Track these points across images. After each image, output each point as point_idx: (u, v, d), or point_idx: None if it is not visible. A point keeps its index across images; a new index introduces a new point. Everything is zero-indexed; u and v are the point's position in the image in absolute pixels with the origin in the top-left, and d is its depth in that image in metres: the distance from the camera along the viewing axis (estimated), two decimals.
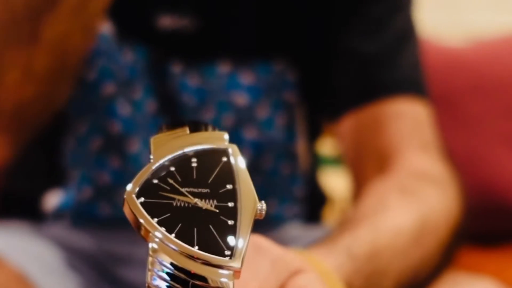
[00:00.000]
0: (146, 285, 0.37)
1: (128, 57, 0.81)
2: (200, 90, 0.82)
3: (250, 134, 0.84)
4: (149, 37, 0.81)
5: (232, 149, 0.43)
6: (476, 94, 1.47)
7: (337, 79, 0.83)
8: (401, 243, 0.62)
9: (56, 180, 0.85)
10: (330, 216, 1.07)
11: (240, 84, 0.83)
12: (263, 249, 0.42)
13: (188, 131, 0.44)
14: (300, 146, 0.88)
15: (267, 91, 0.84)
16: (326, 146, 1.20)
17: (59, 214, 0.85)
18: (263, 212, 0.40)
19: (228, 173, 0.41)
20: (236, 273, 0.37)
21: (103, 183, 0.83)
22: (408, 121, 0.79)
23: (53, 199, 0.85)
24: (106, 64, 0.81)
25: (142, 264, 0.83)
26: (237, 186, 0.40)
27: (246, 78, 0.83)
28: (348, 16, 0.83)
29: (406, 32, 0.84)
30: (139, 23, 0.82)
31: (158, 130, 0.44)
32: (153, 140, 0.43)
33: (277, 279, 0.41)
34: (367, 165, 0.78)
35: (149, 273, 0.37)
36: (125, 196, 0.39)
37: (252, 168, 0.84)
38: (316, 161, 0.96)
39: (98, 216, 0.84)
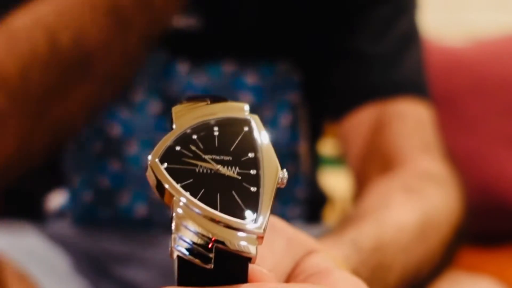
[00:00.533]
0: (170, 248, 0.37)
1: None
2: (205, 90, 0.82)
3: None
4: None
5: (254, 119, 0.43)
6: (476, 94, 1.47)
7: (340, 79, 0.83)
8: (405, 239, 0.63)
9: (58, 181, 0.85)
10: (331, 216, 1.07)
11: (245, 84, 0.83)
12: (278, 228, 0.42)
13: (208, 102, 0.43)
14: (302, 146, 0.88)
15: (272, 91, 0.84)
16: (327, 146, 1.20)
17: (61, 214, 0.85)
18: (285, 181, 0.40)
19: (250, 141, 0.41)
20: (259, 239, 0.37)
21: (103, 187, 0.83)
22: (410, 121, 0.79)
23: (55, 199, 0.85)
24: None
25: (142, 264, 0.83)
26: (259, 155, 0.40)
27: (251, 78, 0.83)
28: (352, 18, 0.83)
29: (410, 34, 0.84)
30: None
31: (178, 103, 0.44)
32: (174, 110, 0.43)
33: (293, 257, 0.42)
34: (370, 166, 0.79)
35: (172, 237, 0.37)
36: (149, 162, 0.39)
37: None
38: (316, 162, 0.96)
39: (99, 218, 0.84)
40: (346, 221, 0.64)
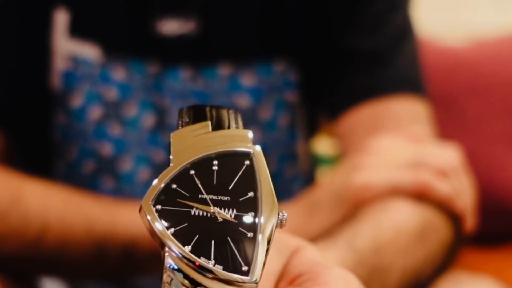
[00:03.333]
0: None
1: (120, 75, 0.81)
2: (202, 94, 0.82)
3: (253, 136, 0.84)
4: (146, 48, 0.81)
5: (255, 152, 0.41)
6: (476, 94, 1.47)
7: (335, 78, 0.83)
8: (404, 241, 0.63)
9: None
10: None
11: (242, 86, 0.83)
12: None
13: (210, 127, 0.42)
14: (301, 146, 0.88)
15: (269, 92, 0.84)
16: (325, 146, 1.20)
17: None
18: (284, 222, 0.39)
19: (250, 178, 0.39)
20: None
21: None
22: (407, 119, 0.79)
23: None
24: (91, 89, 0.81)
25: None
26: (258, 194, 0.39)
27: (248, 79, 0.83)
28: (346, 15, 0.83)
29: (404, 30, 0.84)
30: (134, 35, 0.81)
31: (178, 119, 0.42)
32: (173, 137, 0.41)
33: (281, 257, 0.41)
34: None
35: (162, 285, 0.37)
36: (142, 203, 0.37)
37: None
38: (314, 161, 0.96)
39: None
40: (343, 223, 0.64)
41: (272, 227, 0.38)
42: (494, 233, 1.39)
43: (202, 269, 0.36)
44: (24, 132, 0.83)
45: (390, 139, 0.74)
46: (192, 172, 0.39)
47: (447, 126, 1.42)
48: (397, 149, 0.72)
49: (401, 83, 0.81)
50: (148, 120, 0.82)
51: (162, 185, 0.38)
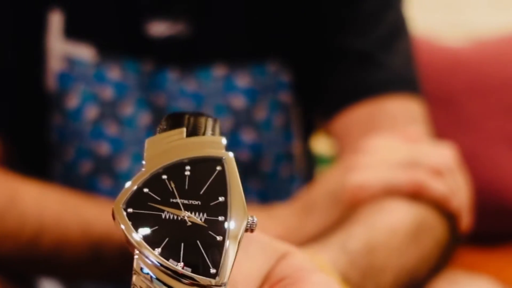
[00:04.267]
0: None
1: (115, 74, 0.81)
2: (197, 95, 0.82)
3: (248, 136, 0.84)
4: (139, 48, 0.81)
5: (227, 158, 0.41)
6: (476, 94, 1.47)
7: (329, 78, 0.83)
8: (398, 242, 0.63)
9: None
10: None
11: (236, 86, 0.83)
12: (251, 236, 0.42)
13: (184, 134, 0.42)
14: (296, 146, 0.88)
15: (263, 92, 0.84)
16: (322, 145, 1.20)
17: None
18: (254, 226, 0.39)
19: (221, 184, 0.40)
20: None
21: None
22: (402, 119, 0.79)
23: None
24: (86, 89, 0.81)
25: None
26: (228, 199, 0.39)
27: (242, 80, 0.83)
28: (339, 15, 0.83)
29: (398, 29, 0.84)
30: (126, 35, 0.81)
31: (156, 128, 0.43)
32: (148, 143, 0.42)
33: (268, 261, 0.41)
34: None
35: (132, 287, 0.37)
36: (113, 206, 0.38)
37: (252, 171, 0.85)
38: (311, 160, 0.96)
39: None
40: (336, 224, 0.64)
41: (241, 231, 0.38)
42: (493, 233, 1.39)
43: (170, 270, 0.36)
44: (21, 134, 0.83)
45: (385, 139, 0.74)
46: (164, 176, 0.39)
47: (447, 126, 1.42)
48: (392, 149, 0.72)
49: (395, 83, 0.81)
50: (145, 118, 0.82)
51: (134, 188, 0.39)
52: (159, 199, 0.38)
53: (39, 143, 0.83)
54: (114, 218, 0.38)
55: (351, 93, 0.81)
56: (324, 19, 0.83)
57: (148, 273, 0.36)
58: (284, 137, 0.86)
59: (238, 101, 0.83)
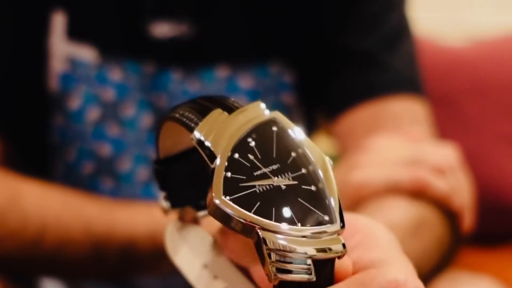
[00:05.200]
0: (268, 275, 0.37)
1: (116, 75, 0.81)
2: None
3: None
4: (141, 49, 0.81)
5: (275, 116, 0.42)
6: (476, 94, 1.47)
7: (333, 78, 0.83)
8: (397, 237, 0.63)
9: None
10: None
11: (239, 88, 0.83)
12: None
13: (222, 113, 0.42)
14: None
15: (266, 93, 0.84)
16: (324, 145, 1.20)
17: None
18: (332, 161, 0.41)
19: (286, 140, 0.41)
20: (341, 231, 0.38)
21: None
22: (405, 120, 0.79)
23: None
24: (88, 91, 0.81)
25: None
26: (300, 151, 0.40)
27: (245, 81, 0.83)
28: (342, 15, 0.83)
29: (401, 30, 0.84)
30: (128, 36, 0.81)
31: (189, 126, 0.42)
32: (199, 132, 0.41)
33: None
34: None
35: (269, 267, 0.37)
36: (215, 201, 0.38)
37: None
38: None
39: None
40: None
41: (330, 171, 0.40)
42: (494, 233, 1.39)
43: (297, 235, 0.37)
44: (23, 134, 0.83)
45: (388, 138, 0.74)
46: (236, 155, 0.40)
47: (447, 126, 1.42)
48: (395, 148, 0.72)
49: (398, 83, 0.81)
50: (146, 119, 0.82)
51: (222, 176, 0.39)
52: (244, 177, 0.39)
53: (41, 144, 0.83)
54: (217, 211, 0.38)
55: (355, 93, 0.81)
56: (327, 20, 0.83)
57: (280, 249, 0.37)
58: None
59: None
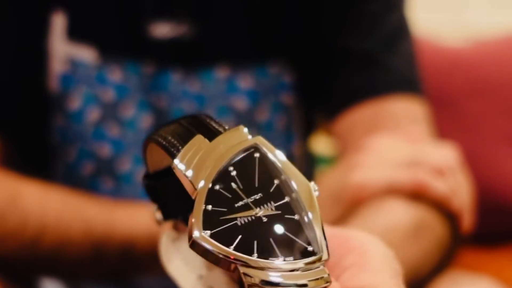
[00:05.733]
0: None
1: (116, 76, 0.81)
2: (200, 96, 0.82)
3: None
4: (141, 50, 0.81)
5: (258, 141, 0.41)
6: (476, 94, 1.47)
7: (332, 78, 0.83)
8: (398, 240, 0.63)
9: None
10: None
11: (239, 88, 0.83)
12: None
13: (204, 140, 0.41)
14: (297, 147, 0.88)
15: (265, 94, 0.84)
16: (323, 145, 1.20)
17: None
18: (317, 188, 0.39)
19: (268, 167, 0.40)
20: (326, 262, 0.37)
21: None
22: (404, 119, 0.79)
23: None
24: (88, 91, 0.81)
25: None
26: (283, 177, 0.39)
27: (245, 82, 0.83)
28: (341, 15, 0.83)
29: (400, 30, 0.84)
30: (128, 37, 0.81)
31: (171, 152, 0.41)
32: (177, 166, 0.40)
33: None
34: None
35: None
36: (195, 237, 0.37)
37: None
38: (310, 161, 0.96)
39: None
40: (337, 224, 0.64)
41: (314, 199, 0.39)
42: (494, 233, 1.39)
43: (283, 270, 0.37)
44: (23, 135, 0.83)
45: (387, 138, 0.74)
46: (217, 187, 0.39)
47: (447, 126, 1.42)
48: (394, 148, 0.72)
49: (398, 83, 0.81)
50: (146, 120, 0.82)
51: (201, 209, 0.38)
52: (225, 209, 0.38)
53: (41, 144, 0.83)
54: (199, 247, 0.37)
55: (354, 93, 0.81)
56: (326, 20, 0.83)
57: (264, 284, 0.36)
58: (285, 138, 0.86)
59: (241, 103, 0.83)
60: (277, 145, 0.84)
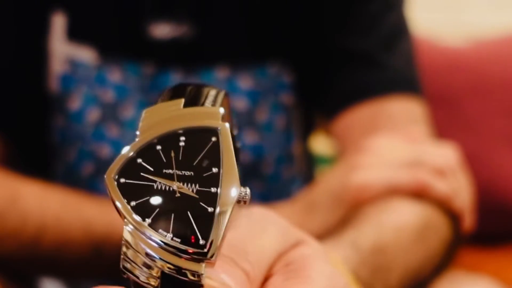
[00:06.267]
0: (120, 268, 0.37)
1: (116, 76, 0.81)
2: None
3: (250, 138, 0.84)
4: (141, 50, 0.81)
5: (222, 128, 0.40)
6: (476, 94, 1.47)
7: (331, 78, 0.83)
8: (405, 240, 0.63)
9: None
10: None
11: (239, 88, 0.83)
12: (272, 218, 0.42)
13: (182, 105, 0.41)
14: (297, 147, 0.88)
15: (265, 94, 0.84)
16: (323, 145, 1.20)
17: None
18: (247, 198, 0.38)
19: (215, 155, 0.39)
20: (209, 264, 0.36)
21: None
22: (403, 119, 0.79)
23: None
24: (88, 92, 0.81)
25: None
26: (221, 171, 0.38)
27: (244, 82, 0.83)
28: (340, 15, 0.83)
29: (399, 30, 0.84)
30: (128, 37, 0.81)
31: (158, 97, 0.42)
32: (145, 112, 0.41)
33: (283, 244, 0.41)
34: None
35: (121, 257, 0.37)
36: (105, 175, 0.38)
37: (253, 173, 0.85)
38: (310, 161, 0.96)
39: None
40: (345, 222, 0.64)
41: (233, 202, 0.37)
42: (494, 233, 1.39)
43: (158, 242, 0.35)
44: (23, 135, 0.83)
45: (387, 139, 0.74)
46: (158, 147, 0.39)
47: (447, 126, 1.43)
48: (394, 148, 0.72)
49: (397, 83, 0.81)
50: None
51: (128, 157, 0.38)
52: (151, 169, 0.38)
53: (41, 144, 0.83)
54: (106, 187, 0.37)
55: (353, 93, 0.81)
56: (325, 21, 0.83)
57: (135, 246, 0.36)
58: (285, 139, 0.87)
59: (240, 103, 0.83)
60: (277, 145, 0.85)
